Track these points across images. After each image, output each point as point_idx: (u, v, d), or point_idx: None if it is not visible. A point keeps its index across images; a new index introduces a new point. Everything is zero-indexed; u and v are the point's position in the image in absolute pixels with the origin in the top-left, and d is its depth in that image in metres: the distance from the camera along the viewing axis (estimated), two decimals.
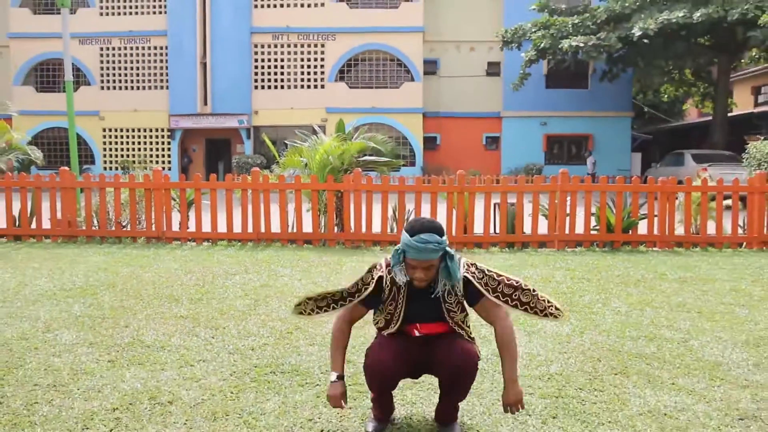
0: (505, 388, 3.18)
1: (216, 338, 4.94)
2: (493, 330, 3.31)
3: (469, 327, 3.35)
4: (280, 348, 4.70)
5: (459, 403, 3.44)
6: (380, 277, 3.24)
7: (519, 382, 3.20)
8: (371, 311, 3.39)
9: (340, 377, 3.24)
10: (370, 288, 3.24)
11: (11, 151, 13.78)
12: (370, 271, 3.29)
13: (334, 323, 3.34)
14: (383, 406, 3.44)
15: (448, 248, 3.15)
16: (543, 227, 10.11)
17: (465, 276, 3.21)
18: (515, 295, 3.32)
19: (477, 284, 3.21)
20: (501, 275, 3.30)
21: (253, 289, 6.71)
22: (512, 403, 3.17)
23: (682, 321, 5.53)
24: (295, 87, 30.52)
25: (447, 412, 3.40)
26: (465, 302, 3.28)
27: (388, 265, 3.25)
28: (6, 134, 13.36)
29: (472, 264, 3.28)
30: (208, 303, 6.10)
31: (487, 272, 3.27)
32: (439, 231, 3.09)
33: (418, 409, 3.65)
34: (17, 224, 10.65)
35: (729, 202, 10.21)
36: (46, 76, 31.65)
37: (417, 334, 3.29)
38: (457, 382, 3.27)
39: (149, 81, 31.03)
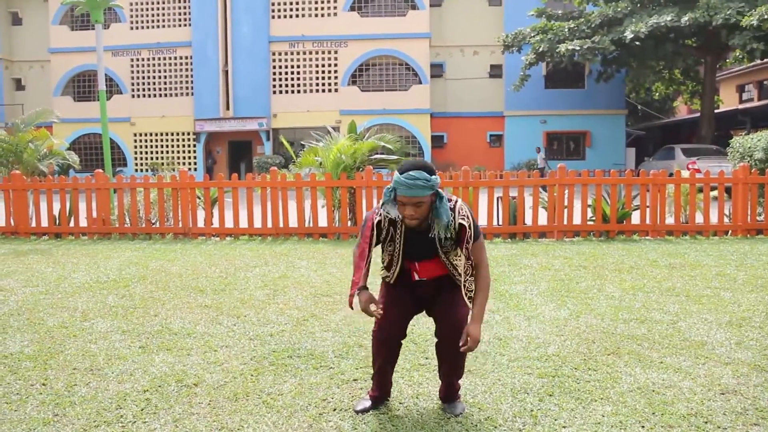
0: (469, 324, 3.18)
1: (237, 326, 4.98)
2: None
3: (466, 272, 3.26)
4: (297, 334, 4.73)
5: (459, 382, 3.46)
6: (378, 222, 3.23)
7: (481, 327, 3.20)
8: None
9: (364, 287, 3.24)
10: (375, 224, 3.23)
11: (52, 157, 13.86)
12: (365, 223, 3.29)
13: (355, 247, 3.32)
14: (382, 383, 3.46)
15: (439, 190, 3.11)
16: (543, 219, 10.08)
17: (461, 223, 3.16)
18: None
19: (470, 231, 3.18)
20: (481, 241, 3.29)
21: (272, 280, 6.75)
22: (471, 335, 3.12)
23: (671, 304, 5.52)
24: (311, 91, 30.48)
25: (448, 390, 3.43)
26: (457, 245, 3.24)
27: (378, 222, 3.24)
28: (47, 141, 13.44)
29: (469, 211, 3.25)
30: (231, 293, 6.14)
31: (476, 227, 3.24)
32: (428, 170, 3.05)
33: (424, 389, 3.67)
34: (57, 223, 10.74)
35: (715, 193, 10.14)
36: (82, 86, 31.80)
37: (416, 277, 3.28)
38: (447, 347, 3.28)
39: (176, 88, 31.10)
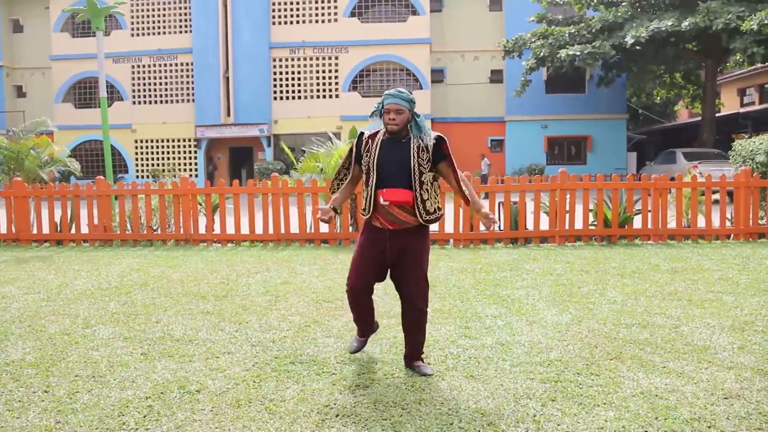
0: (479, 213, 3.94)
1: (239, 332, 4.98)
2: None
3: (434, 197, 3.86)
4: (299, 340, 4.73)
5: (421, 343, 4.05)
6: (360, 134, 3.96)
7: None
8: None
9: (335, 209, 4.00)
10: (355, 145, 3.97)
11: (53, 163, 13.88)
12: (350, 145, 4.06)
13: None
14: (365, 326, 4.16)
15: (416, 111, 3.80)
16: (544, 223, 10.09)
17: (440, 136, 3.86)
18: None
19: (447, 144, 3.86)
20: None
21: (273, 287, 6.75)
22: (486, 217, 3.87)
23: (674, 308, 5.51)
24: (312, 97, 30.55)
25: (413, 349, 4.02)
26: (432, 161, 3.82)
27: (360, 134, 3.97)
28: (48, 148, 13.47)
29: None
30: (232, 299, 6.15)
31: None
32: (408, 93, 3.81)
33: (427, 395, 3.66)
34: (59, 230, 10.76)
35: (717, 196, 10.14)
36: (83, 93, 31.90)
37: (382, 201, 3.77)
38: (413, 304, 3.92)
39: (176, 95, 31.18)
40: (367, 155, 3.86)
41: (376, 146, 3.83)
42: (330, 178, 3.88)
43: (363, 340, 4.23)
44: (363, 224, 4.02)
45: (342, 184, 4.10)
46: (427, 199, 3.80)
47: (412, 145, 3.79)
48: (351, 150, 4.00)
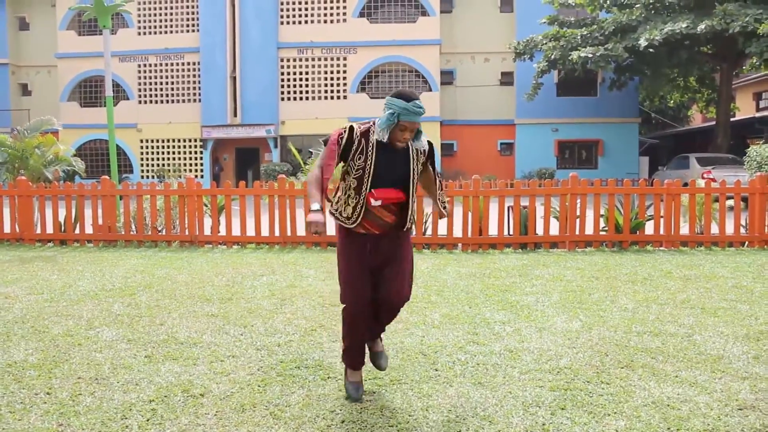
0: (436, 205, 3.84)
1: (245, 335, 4.98)
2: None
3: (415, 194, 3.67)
4: (305, 344, 4.73)
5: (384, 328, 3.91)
6: (351, 128, 3.52)
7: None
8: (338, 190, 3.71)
9: (321, 208, 3.45)
10: (345, 139, 3.50)
11: (57, 163, 13.97)
12: (339, 134, 3.52)
13: (310, 172, 3.57)
14: (361, 352, 3.76)
15: None
16: (554, 229, 10.05)
17: (430, 141, 3.70)
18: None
19: (433, 149, 3.74)
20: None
21: (279, 290, 6.76)
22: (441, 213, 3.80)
23: (686, 317, 5.49)
24: (319, 98, 30.60)
25: (379, 331, 3.87)
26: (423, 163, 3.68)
27: (350, 129, 3.52)
28: (53, 147, 13.56)
29: None
30: (237, 302, 6.15)
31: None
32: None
33: (434, 401, 3.65)
34: (63, 230, 10.80)
35: (731, 202, 10.09)
36: (89, 92, 32.05)
37: (374, 203, 3.51)
38: (392, 310, 3.72)
39: (183, 94, 31.29)
40: (360, 157, 3.48)
41: (372, 149, 3.48)
42: (310, 180, 3.51)
43: (360, 376, 3.80)
44: (342, 233, 3.66)
45: (326, 182, 3.52)
46: (414, 201, 3.68)
47: (411, 151, 3.57)
48: (338, 143, 3.50)
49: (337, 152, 3.48)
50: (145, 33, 31.22)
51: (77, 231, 10.78)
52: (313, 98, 30.61)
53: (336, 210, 3.63)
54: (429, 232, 10.01)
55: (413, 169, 3.58)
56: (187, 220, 10.38)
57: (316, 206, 3.39)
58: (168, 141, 31.45)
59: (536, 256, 9.02)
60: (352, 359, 3.74)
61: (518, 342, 4.75)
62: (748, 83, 31.91)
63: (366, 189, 3.49)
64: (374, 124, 3.54)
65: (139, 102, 31.41)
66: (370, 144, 3.48)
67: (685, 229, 10.07)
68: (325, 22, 30.44)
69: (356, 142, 3.49)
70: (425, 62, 30.02)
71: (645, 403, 3.59)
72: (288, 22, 30.53)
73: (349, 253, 3.61)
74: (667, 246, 9.75)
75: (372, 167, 3.47)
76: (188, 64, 31.07)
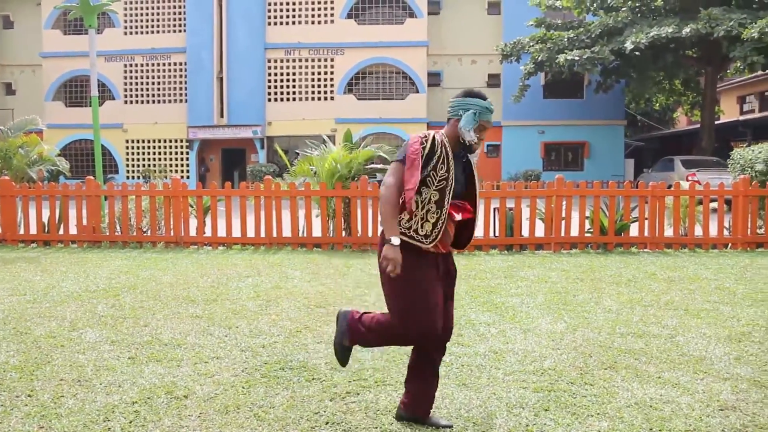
0: None
1: (229, 337, 4.96)
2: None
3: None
4: (289, 346, 4.72)
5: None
6: (432, 136, 3.19)
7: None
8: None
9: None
10: (427, 146, 3.15)
11: (42, 162, 13.83)
12: (421, 142, 3.17)
13: (385, 191, 3.15)
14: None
15: None
16: (540, 230, 10.10)
17: None
18: None
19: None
20: None
21: (264, 291, 6.74)
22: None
23: (670, 318, 5.53)
24: (306, 99, 30.55)
25: (427, 403, 3.40)
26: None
27: (432, 136, 3.19)
28: (37, 147, 13.42)
29: None
30: (222, 304, 6.13)
31: None
32: None
33: (437, 402, 3.65)
34: (46, 230, 10.72)
35: (715, 205, 10.18)
36: (74, 91, 31.83)
37: (456, 217, 3.21)
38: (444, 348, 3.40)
39: (169, 95, 31.14)
40: (443, 167, 3.14)
41: (450, 158, 3.18)
42: (387, 201, 3.10)
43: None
44: (410, 255, 3.14)
45: (410, 195, 3.08)
46: (477, 217, 3.40)
47: (470, 157, 3.31)
48: (421, 153, 3.13)
49: (420, 162, 3.10)
50: (131, 33, 31.05)
51: (61, 232, 10.70)
52: (300, 99, 30.56)
53: (409, 228, 3.16)
54: None
55: (478, 179, 3.36)
56: (173, 221, 10.33)
57: (396, 241, 3.06)
58: (154, 141, 31.28)
59: (522, 258, 9.06)
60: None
61: (503, 343, 4.77)
62: (733, 87, 32.21)
63: (448, 202, 3.15)
64: (438, 133, 3.25)
65: (125, 102, 31.23)
66: (449, 153, 3.18)
67: (669, 231, 10.15)
68: (313, 23, 30.41)
69: (438, 150, 3.15)
70: (412, 64, 30.06)
71: (628, 404, 3.61)
72: (275, 23, 30.47)
73: (422, 275, 3.15)
74: (651, 248, 9.82)
75: (453, 176, 3.17)
76: (175, 64, 30.92)
